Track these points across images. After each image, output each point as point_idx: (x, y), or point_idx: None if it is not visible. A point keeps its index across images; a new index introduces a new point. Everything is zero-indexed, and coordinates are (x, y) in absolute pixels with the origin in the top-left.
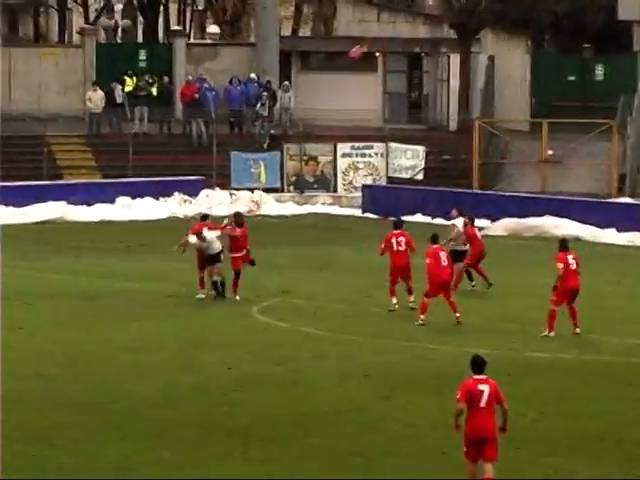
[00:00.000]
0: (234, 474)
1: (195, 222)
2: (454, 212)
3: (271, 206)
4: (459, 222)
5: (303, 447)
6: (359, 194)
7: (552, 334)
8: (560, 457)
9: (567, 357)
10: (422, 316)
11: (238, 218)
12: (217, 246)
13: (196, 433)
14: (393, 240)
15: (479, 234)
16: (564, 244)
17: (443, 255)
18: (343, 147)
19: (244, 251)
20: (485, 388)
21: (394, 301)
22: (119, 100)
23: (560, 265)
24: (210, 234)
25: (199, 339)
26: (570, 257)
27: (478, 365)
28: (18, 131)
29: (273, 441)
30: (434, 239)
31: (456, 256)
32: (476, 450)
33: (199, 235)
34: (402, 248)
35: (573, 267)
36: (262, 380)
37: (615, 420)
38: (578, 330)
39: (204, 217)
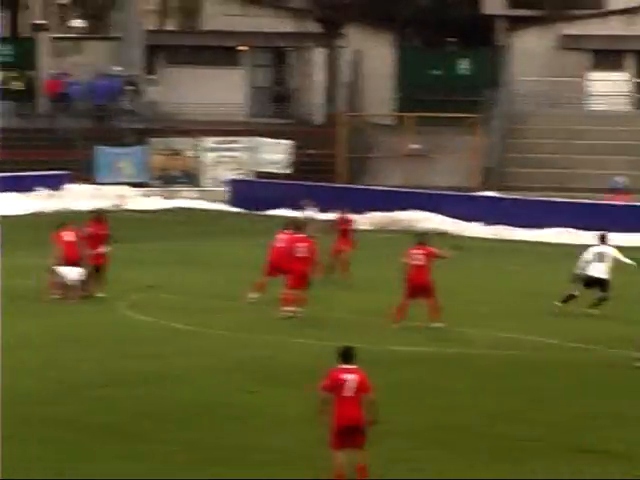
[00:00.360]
0: (101, 472)
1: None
2: (306, 203)
3: (137, 201)
4: (312, 213)
5: (170, 442)
6: (225, 188)
7: (395, 326)
8: (425, 450)
9: (429, 350)
10: (287, 308)
11: (97, 214)
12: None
13: (63, 430)
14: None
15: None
16: (419, 239)
17: (301, 246)
18: (209, 141)
19: (103, 247)
20: (350, 377)
21: (253, 295)
22: None
23: (405, 260)
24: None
25: (66, 336)
26: (417, 252)
27: (346, 355)
28: None
29: (140, 437)
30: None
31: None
32: (342, 439)
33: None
34: (281, 245)
35: (416, 262)
36: (130, 376)
37: (479, 412)
38: (436, 324)
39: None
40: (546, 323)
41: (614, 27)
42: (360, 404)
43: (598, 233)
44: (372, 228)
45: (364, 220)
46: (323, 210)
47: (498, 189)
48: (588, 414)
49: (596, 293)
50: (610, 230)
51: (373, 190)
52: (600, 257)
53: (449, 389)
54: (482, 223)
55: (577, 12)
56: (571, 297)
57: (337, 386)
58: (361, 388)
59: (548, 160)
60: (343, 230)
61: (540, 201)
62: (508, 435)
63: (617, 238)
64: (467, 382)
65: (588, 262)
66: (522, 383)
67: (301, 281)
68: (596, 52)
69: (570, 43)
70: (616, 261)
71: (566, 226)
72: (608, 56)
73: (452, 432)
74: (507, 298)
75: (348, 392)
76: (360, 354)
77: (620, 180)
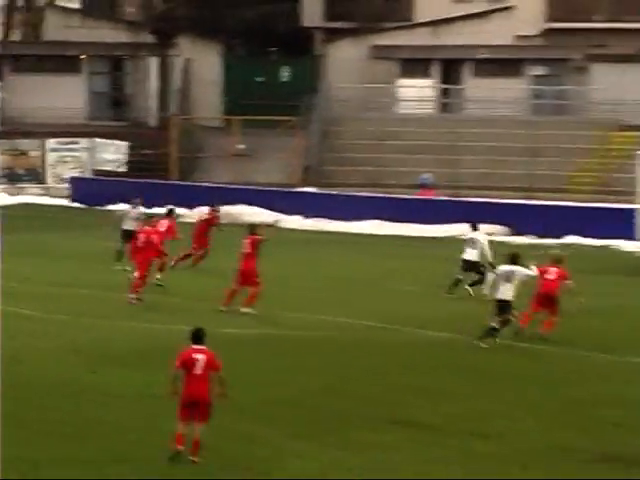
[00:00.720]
0: None
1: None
2: (134, 200)
3: None
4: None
5: (7, 417)
6: (67, 185)
7: (224, 308)
8: (256, 424)
9: (255, 332)
10: (133, 295)
11: None
12: None
13: None
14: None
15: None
16: (250, 228)
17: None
18: (51, 142)
19: None
20: (200, 357)
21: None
22: None
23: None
24: None
25: None
26: (246, 241)
27: (196, 337)
28: None
29: None
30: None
31: (127, 235)
32: (187, 412)
33: None
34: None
35: (244, 251)
36: None
37: (299, 388)
38: (246, 310)
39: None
40: (360, 306)
41: (421, 38)
42: (207, 381)
43: (470, 224)
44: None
45: (194, 214)
46: (154, 205)
47: (317, 185)
48: (396, 388)
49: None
50: (417, 222)
51: (203, 187)
52: (472, 243)
53: (272, 367)
54: (302, 216)
55: (387, 24)
56: (458, 281)
57: (188, 364)
58: (210, 367)
59: (362, 159)
60: (212, 224)
61: (355, 196)
62: (325, 407)
63: (417, 229)
64: (288, 361)
65: (464, 248)
66: (337, 360)
67: (142, 267)
68: (404, 61)
69: (381, 53)
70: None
71: (378, 219)
72: (415, 64)
73: (276, 406)
74: (326, 284)
75: (197, 370)
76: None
77: (427, 177)
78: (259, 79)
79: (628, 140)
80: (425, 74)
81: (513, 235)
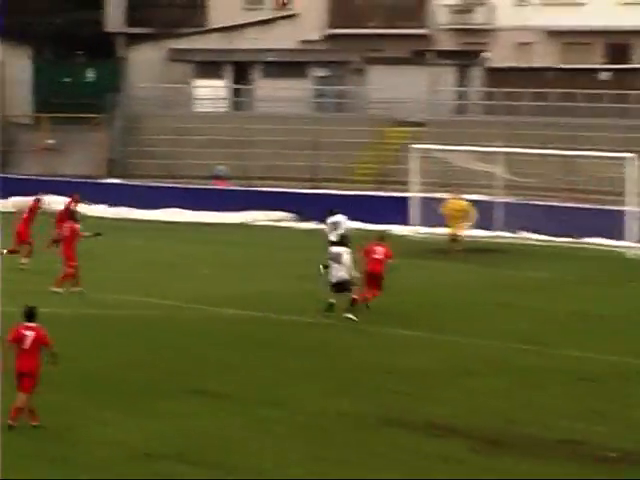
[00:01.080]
0: None
1: None
2: None
3: None
4: None
5: None
6: None
7: (60, 290)
8: (67, 395)
9: (67, 311)
10: None
11: None
12: None
13: None
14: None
15: None
16: (72, 216)
17: None
18: None
19: None
20: (30, 333)
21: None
22: None
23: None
24: None
25: None
26: (65, 225)
27: (27, 315)
28: None
29: None
30: None
31: None
32: (18, 383)
33: None
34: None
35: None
36: None
37: (113, 363)
38: (56, 289)
39: None
40: (164, 287)
41: (214, 42)
42: (36, 356)
43: (329, 210)
44: (14, 210)
45: (7, 204)
46: None
47: (121, 177)
48: (196, 361)
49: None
50: (213, 210)
51: (14, 179)
52: (335, 225)
53: (83, 343)
54: (107, 205)
55: (183, 30)
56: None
57: (19, 340)
58: (39, 342)
59: (162, 152)
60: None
61: (156, 186)
62: (131, 380)
63: (213, 216)
64: (97, 337)
65: (329, 231)
66: (143, 337)
67: None
68: (199, 63)
69: (178, 56)
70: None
71: (178, 207)
72: (209, 66)
73: (86, 379)
74: (131, 267)
75: (26, 345)
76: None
77: (221, 169)
78: (66, 80)
79: (402, 135)
80: (218, 75)
81: (299, 221)
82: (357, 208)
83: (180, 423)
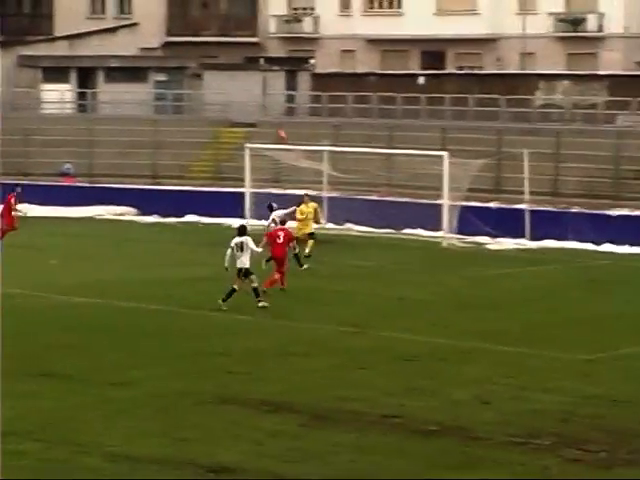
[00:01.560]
0: None
1: None
2: None
3: None
4: None
5: None
6: None
7: None
8: None
9: None
10: None
11: None
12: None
13: None
14: None
15: None
16: None
17: None
18: None
19: None
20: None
21: None
22: None
23: None
24: None
25: None
26: None
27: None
28: None
29: None
30: None
31: None
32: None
33: None
34: None
35: None
36: None
37: None
38: None
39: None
40: (18, 277)
41: (60, 49)
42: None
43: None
44: None
45: None
46: None
47: None
48: (44, 346)
49: None
50: (61, 205)
51: None
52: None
53: None
54: None
55: (31, 37)
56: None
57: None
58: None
59: (12, 152)
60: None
61: (5, 184)
62: None
63: (61, 211)
64: None
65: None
66: None
67: None
68: (46, 68)
69: (26, 62)
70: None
71: (26, 202)
72: (56, 72)
73: None
74: None
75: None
76: None
77: (68, 167)
78: None
79: (236, 135)
80: (64, 80)
81: (141, 215)
82: (195, 203)
83: (29, 404)
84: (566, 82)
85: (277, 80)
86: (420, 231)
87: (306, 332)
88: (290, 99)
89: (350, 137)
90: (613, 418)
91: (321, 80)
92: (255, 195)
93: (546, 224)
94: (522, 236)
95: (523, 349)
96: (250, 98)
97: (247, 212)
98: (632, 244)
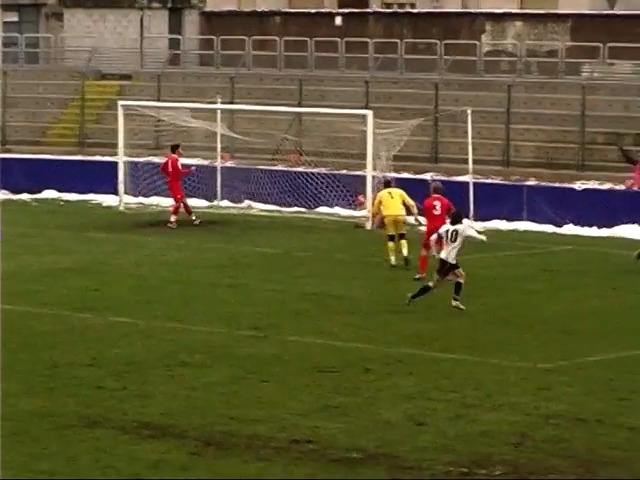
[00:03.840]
0: None
1: None
2: None
3: None
4: None
5: None
6: None
7: None
8: None
9: None
10: None
11: None
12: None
13: None
14: None
15: None
16: None
17: None
18: None
19: None
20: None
21: None
22: None
23: None
24: None
25: None
26: None
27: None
28: None
29: None
30: None
31: None
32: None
33: None
34: None
35: None
36: None
37: None
38: None
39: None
40: None
41: None
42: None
43: None
44: None
45: None
46: None
47: None
48: None
49: None
50: None
51: None
52: None
53: None
54: None
55: None
56: None
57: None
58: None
59: None
60: None
61: None
62: None
63: None
64: None
65: None
66: None
67: None
68: None
69: None
70: None
71: None
72: None
73: None
74: None
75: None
76: None
77: None
78: None
79: (107, 90)
80: None
81: None
82: (55, 175)
83: None
84: (519, 24)
85: (158, 21)
86: (338, 210)
87: (196, 337)
88: (174, 44)
89: (250, 92)
90: (578, 441)
91: (213, 21)
92: (131, 165)
93: (495, 201)
94: (465, 215)
95: (467, 356)
96: (124, 43)
97: (120, 187)
98: (600, 225)
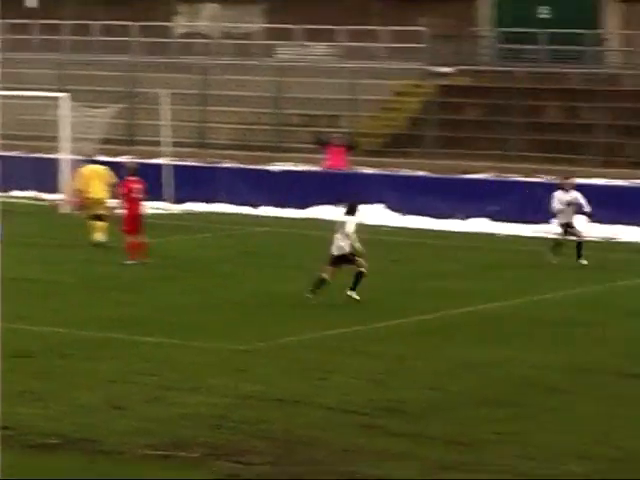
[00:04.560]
0: None
1: None
2: None
3: None
4: None
5: None
6: None
7: None
8: None
9: None
10: None
11: None
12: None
13: None
14: None
15: None
16: None
17: None
18: None
19: None
20: None
21: None
22: None
23: None
24: None
25: None
26: None
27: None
28: None
29: None
30: None
31: None
32: None
33: None
34: None
35: None
36: None
37: None
38: None
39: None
40: None
41: None
42: None
43: None
44: None
45: None
46: None
47: None
48: None
49: None
50: None
51: None
52: None
53: None
54: None
55: None
56: None
57: None
58: None
59: None
60: None
61: None
62: None
63: None
64: None
65: None
66: None
67: None
68: None
69: None
70: None
71: None
72: None
73: None
74: None
75: None
76: None
77: None
78: None
79: None
80: None
81: None
82: None
83: None
84: (214, 5)
85: None
86: (35, 193)
87: None
88: None
89: None
90: (276, 422)
91: None
92: None
93: (191, 183)
94: (161, 198)
95: (167, 339)
96: None
97: None
98: (296, 206)
